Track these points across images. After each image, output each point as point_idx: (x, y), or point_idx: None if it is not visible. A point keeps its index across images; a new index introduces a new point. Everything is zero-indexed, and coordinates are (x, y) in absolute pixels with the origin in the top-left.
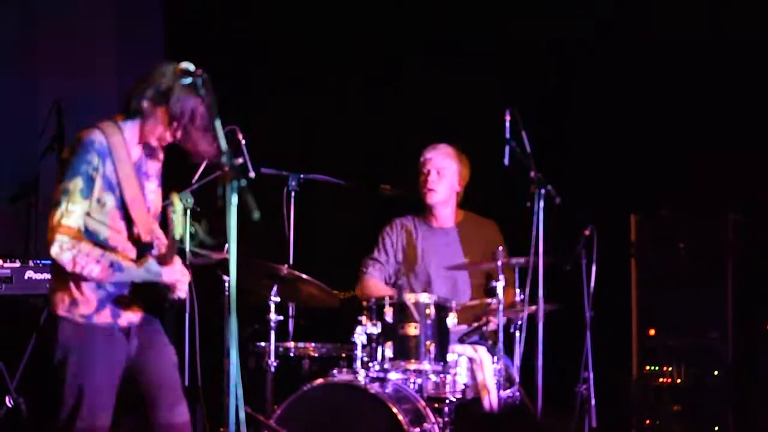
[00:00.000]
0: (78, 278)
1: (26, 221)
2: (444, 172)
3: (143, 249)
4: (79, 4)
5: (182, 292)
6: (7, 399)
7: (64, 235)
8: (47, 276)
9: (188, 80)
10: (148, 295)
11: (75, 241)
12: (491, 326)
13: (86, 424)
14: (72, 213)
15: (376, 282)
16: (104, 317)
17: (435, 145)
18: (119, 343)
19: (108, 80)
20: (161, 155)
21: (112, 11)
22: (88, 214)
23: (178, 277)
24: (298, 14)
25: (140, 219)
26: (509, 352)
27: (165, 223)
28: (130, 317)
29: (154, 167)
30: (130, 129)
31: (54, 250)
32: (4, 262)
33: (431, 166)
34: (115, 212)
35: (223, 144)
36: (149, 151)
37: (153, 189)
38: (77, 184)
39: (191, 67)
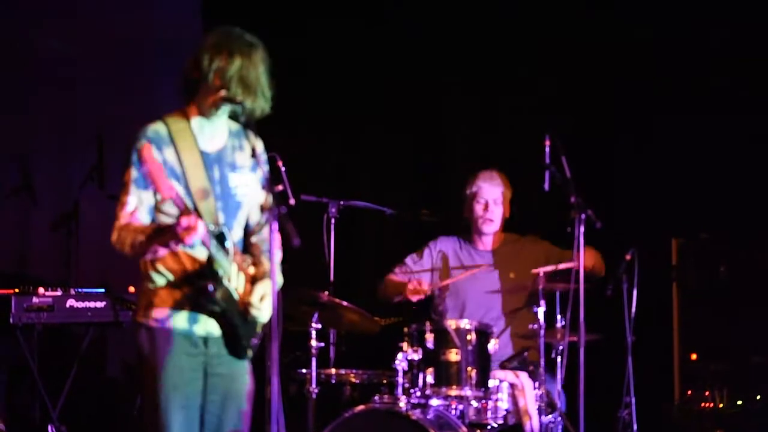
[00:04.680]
0: (150, 279)
1: (67, 250)
2: (498, 201)
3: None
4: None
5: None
6: (49, 428)
7: (120, 222)
8: (88, 304)
9: (221, 33)
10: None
11: (126, 223)
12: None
13: None
14: (127, 204)
15: (393, 277)
16: (180, 322)
17: (485, 172)
18: (196, 352)
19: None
20: (255, 145)
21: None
22: (157, 208)
23: (198, 232)
24: (337, 42)
25: (206, 212)
26: (551, 377)
27: None
28: (209, 326)
29: (243, 158)
30: (198, 115)
31: (112, 238)
32: (46, 290)
33: (487, 196)
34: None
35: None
36: (237, 142)
37: (243, 182)
38: (131, 173)
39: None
